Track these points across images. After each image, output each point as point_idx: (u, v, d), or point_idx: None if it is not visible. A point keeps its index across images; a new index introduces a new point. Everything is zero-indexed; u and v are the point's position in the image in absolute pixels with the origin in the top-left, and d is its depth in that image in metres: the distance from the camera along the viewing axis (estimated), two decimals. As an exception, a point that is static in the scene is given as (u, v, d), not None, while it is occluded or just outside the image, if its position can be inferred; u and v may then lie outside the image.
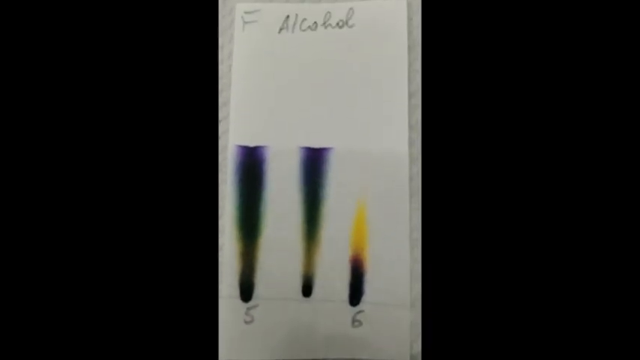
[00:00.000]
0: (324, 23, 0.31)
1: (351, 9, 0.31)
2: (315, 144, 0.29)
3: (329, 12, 0.31)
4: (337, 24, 0.31)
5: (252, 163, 0.29)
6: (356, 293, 0.28)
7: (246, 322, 0.28)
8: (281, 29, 0.31)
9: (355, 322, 0.28)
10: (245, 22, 0.31)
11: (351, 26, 0.31)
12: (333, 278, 0.28)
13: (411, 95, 0.30)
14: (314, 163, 0.29)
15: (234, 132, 0.30)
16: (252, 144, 0.29)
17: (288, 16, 0.31)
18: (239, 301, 0.28)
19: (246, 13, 0.31)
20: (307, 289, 0.28)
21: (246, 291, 0.28)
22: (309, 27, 0.31)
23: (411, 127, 0.29)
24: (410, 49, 0.30)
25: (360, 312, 0.28)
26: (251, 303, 0.28)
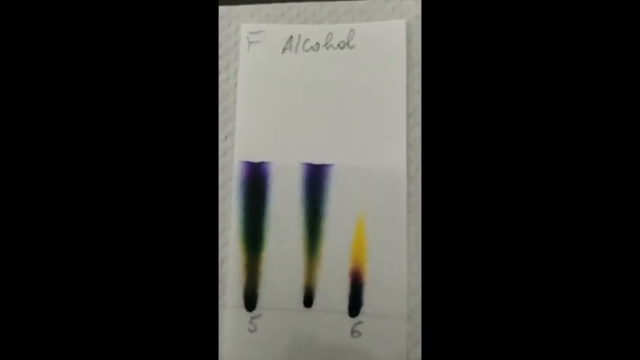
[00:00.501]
0: (326, 44, 0.32)
1: (352, 30, 0.32)
2: (317, 160, 0.31)
3: (330, 33, 0.32)
4: (338, 45, 0.32)
5: (256, 178, 0.31)
6: (355, 305, 0.29)
7: (249, 331, 0.29)
8: (284, 49, 0.32)
9: (354, 332, 0.29)
10: (250, 42, 0.32)
11: (351, 47, 0.32)
12: (333, 290, 0.29)
13: (409, 114, 0.31)
14: (315, 178, 0.30)
15: (239, 148, 0.31)
16: (256, 160, 0.31)
17: (291, 37, 0.32)
18: (243, 311, 0.29)
19: (251, 33, 0.32)
20: (308, 300, 0.29)
21: (251, 301, 0.29)
22: (311, 47, 0.32)
23: (409, 145, 0.31)
24: (409, 69, 0.31)
25: (359, 323, 0.29)
26: (255, 312, 0.29)
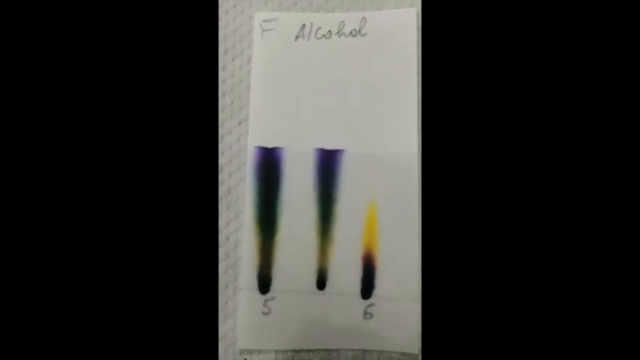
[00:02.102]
0: (338, 32, 0.32)
1: (363, 18, 0.32)
2: (329, 146, 0.31)
3: (342, 21, 0.32)
4: (350, 33, 0.32)
5: (269, 163, 0.31)
6: (367, 287, 0.30)
7: (263, 314, 0.30)
8: (297, 37, 0.32)
9: (367, 314, 0.30)
10: (263, 30, 0.32)
11: (363, 35, 0.32)
12: (345, 273, 0.30)
13: (420, 101, 0.31)
14: (328, 163, 0.31)
15: (253, 134, 0.31)
16: (269, 145, 0.31)
17: (304, 25, 0.33)
18: (257, 294, 0.30)
19: (264, 21, 0.33)
20: (321, 283, 0.30)
21: (264, 284, 0.30)
22: (323, 35, 0.32)
23: (420, 131, 0.31)
24: (419, 57, 0.32)
25: (371, 305, 0.30)
26: (268, 295, 0.30)
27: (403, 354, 0.29)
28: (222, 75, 0.32)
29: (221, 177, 0.31)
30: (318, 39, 0.32)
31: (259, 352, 0.29)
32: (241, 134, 0.31)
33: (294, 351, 0.29)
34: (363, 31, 0.32)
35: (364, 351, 0.29)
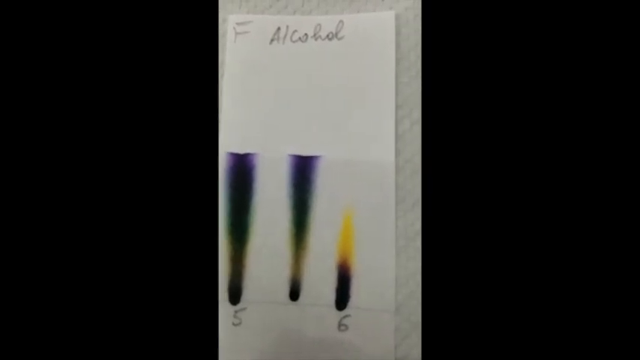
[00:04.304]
0: (315, 35, 0.32)
1: (340, 21, 0.32)
2: (304, 152, 0.30)
3: (319, 24, 0.32)
4: (327, 36, 0.32)
5: (242, 169, 0.30)
6: (342, 298, 0.29)
7: (234, 325, 0.29)
8: (272, 40, 0.32)
9: (341, 326, 0.29)
10: (237, 33, 0.32)
11: (340, 38, 0.31)
12: (320, 283, 0.29)
13: (398, 107, 0.31)
14: (303, 170, 0.30)
15: (225, 139, 0.30)
16: (242, 151, 0.30)
17: (279, 28, 0.32)
18: (227, 304, 0.29)
19: (238, 24, 0.32)
20: (294, 294, 0.29)
21: (235, 294, 0.29)
22: (299, 38, 0.32)
23: (397, 137, 0.30)
24: (398, 61, 0.31)
25: (346, 316, 0.29)
26: (239, 306, 0.29)
27: (378, 367, 0.28)
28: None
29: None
30: (294, 42, 0.32)
31: (230, 365, 0.28)
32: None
33: (266, 364, 0.28)
34: (340, 35, 0.31)
35: (338, 364, 0.28)
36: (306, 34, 0.32)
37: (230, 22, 0.32)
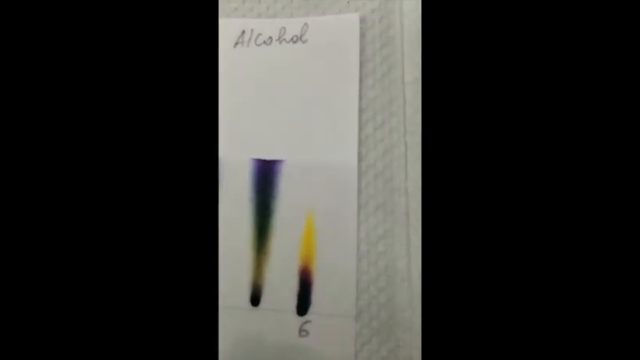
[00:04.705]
0: (279, 38, 0.31)
1: (305, 24, 0.31)
2: (268, 156, 0.30)
3: (284, 27, 0.32)
4: (292, 39, 0.31)
5: (204, 174, 0.30)
6: (303, 303, 0.29)
7: (194, 331, 0.29)
8: (236, 44, 0.31)
9: (302, 331, 0.29)
10: (201, 37, 0.32)
11: (304, 41, 0.31)
12: (281, 288, 0.29)
13: (362, 110, 0.30)
14: (265, 174, 0.30)
15: (188, 144, 0.30)
16: (205, 156, 0.30)
17: (243, 31, 0.32)
18: (187, 310, 0.29)
19: (202, 27, 0.32)
20: (255, 299, 0.29)
21: (195, 300, 0.29)
22: (264, 42, 0.31)
23: (361, 141, 0.30)
24: (363, 64, 0.31)
25: (307, 322, 0.29)
26: (199, 312, 0.29)
27: (337, 373, 0.28)
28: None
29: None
30: (258, 45, 0.31)
31: (189, 370, 0.28)
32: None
33: (225, 369, 0.28)
34: (304, 38, 0.31)
35: (298, 369, 0.28)
36: (270, 38, 0.31)
37: (193, 26, 0.32)
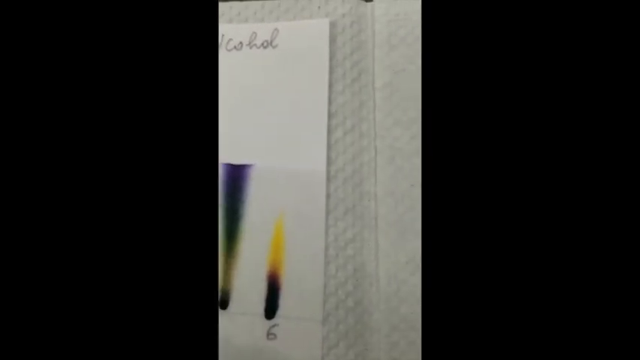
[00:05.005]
0: (250, 43, 0.32)
1: (276, 29, 0.32)
2: (237, 160, 0.30)
3: (254, 32, 0.32)
4: (262, 44, 0.32)
5: (174, 179, 0.30)
6: (271, 307, 0.29)
7: (162, 334, 0.29)
8: (207, 49, 0.32)
9: (270, 335, 0.29)
10: (173, 42, 0.32)
11: (275, 46, 0.31)
12: (249, 292, 0.29)
13: (331, 115, 0.31)
14: (235, 179, 0.30)
15: (159, 148, 0.30)
16: (175, 160, 0.30)
17: (214, 36, 0.32)
18: (156, 314, 0.29)
19: (173, 32, 0.32)
20: (224, 302, 0.29)
21: (163, 304, 0.29)
22: (234, 47, 0.32)
23: (329, 146, 0.30)
24: (332, 69, 0.31)
25: (274, 325, 0.29)
26: (167, 315, 0.29)
27: (304, 376, 0.28)
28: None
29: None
30: (229, 51, 0.32)
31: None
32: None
33: (193, 373, 0.28)
34: (274, 43, 0.31)
35: (265, 373, 0.28)
36: (241, 43, 0.32)
37: (164, 31, 0.32)
